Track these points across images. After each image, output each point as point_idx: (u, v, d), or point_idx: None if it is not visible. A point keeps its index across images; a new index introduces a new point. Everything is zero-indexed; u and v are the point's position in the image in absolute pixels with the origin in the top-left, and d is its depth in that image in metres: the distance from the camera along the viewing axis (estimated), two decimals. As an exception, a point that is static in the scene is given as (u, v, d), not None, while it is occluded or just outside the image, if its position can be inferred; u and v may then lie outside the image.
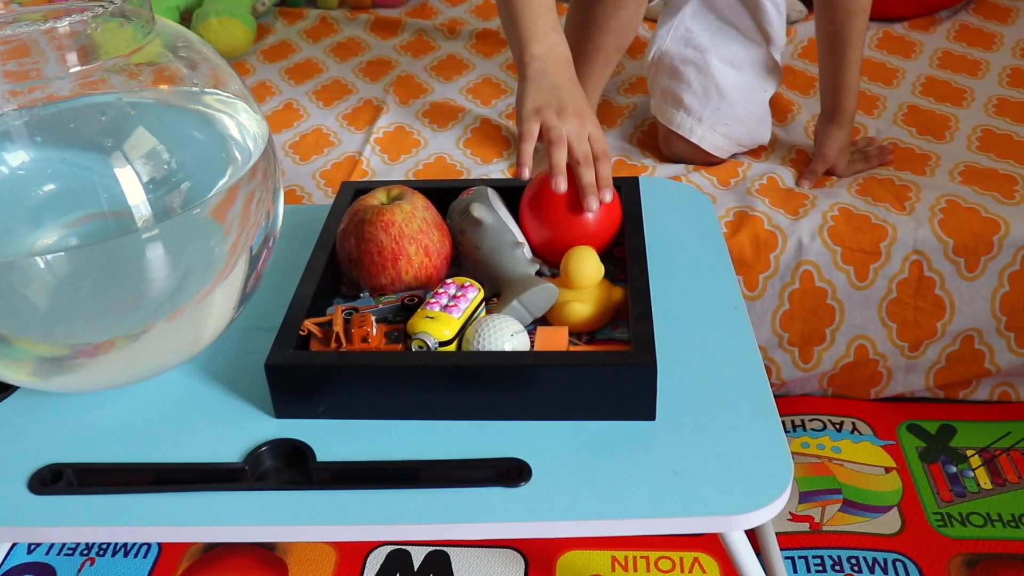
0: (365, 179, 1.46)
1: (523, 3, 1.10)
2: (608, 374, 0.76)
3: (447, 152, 1.54)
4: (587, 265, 0.85)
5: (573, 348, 0.83)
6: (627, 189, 0.99)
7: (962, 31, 1.88)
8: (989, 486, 1.25)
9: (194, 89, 0.79)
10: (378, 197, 0.91)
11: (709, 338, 0.86)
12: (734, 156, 1.50)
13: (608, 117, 1.65)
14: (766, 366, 1.35)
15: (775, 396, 1.39)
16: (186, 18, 2.09)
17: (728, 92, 1.43)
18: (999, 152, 1.46)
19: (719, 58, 1.43)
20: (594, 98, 1.54)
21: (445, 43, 1.96)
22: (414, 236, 0.88)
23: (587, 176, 0.94)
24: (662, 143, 1.51)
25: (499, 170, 1.50)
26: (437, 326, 0.79)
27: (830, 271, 1.29)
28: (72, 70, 0.70)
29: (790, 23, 1.97)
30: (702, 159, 1.48)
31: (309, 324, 0.81)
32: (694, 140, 1.45)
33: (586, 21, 1.43)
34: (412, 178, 1.47)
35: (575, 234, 0.92)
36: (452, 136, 1.59)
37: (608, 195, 0.94)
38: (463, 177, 1.48)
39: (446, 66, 1.86)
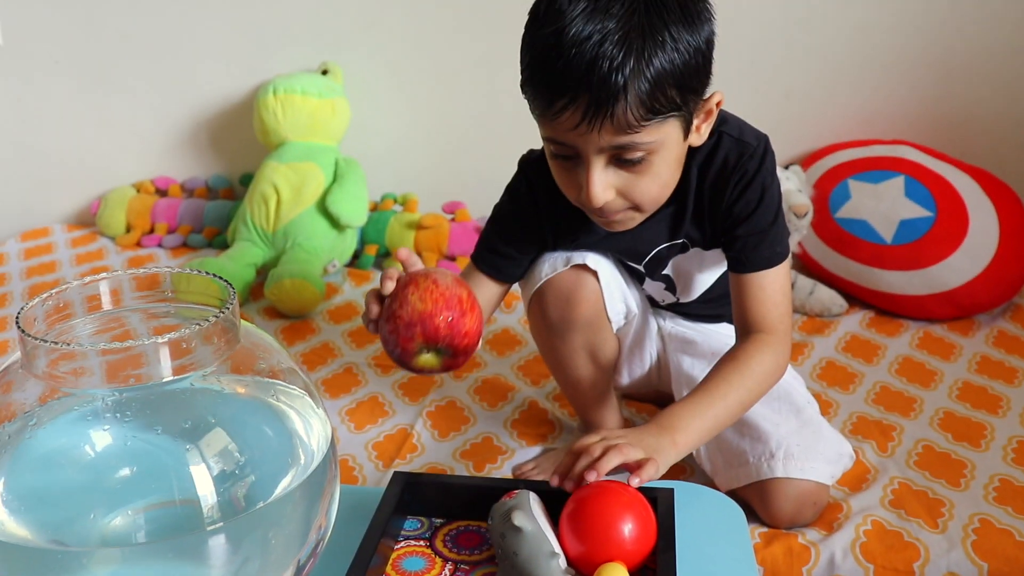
0: (414, 455, 1.52)
1: None
2: None
3: (494, 432, 1.60)
4: (619, 585, 0.88)
5: (602, 668, 0.85)
6: (663, 501, 1.03)
7: (1000, 337, 1.93)
8: None
9: (267, 383, 0.86)
10: None
11: (736, 663, 0.88)
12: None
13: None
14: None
15: None
16: (261, 272, 2.23)
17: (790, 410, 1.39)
18: (1034, 467, 1.49)
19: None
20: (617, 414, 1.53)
21: (500, 316, 2.04)
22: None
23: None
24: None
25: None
26: (472, 638, 0.82)
27: (863, 588, 1.30)
28: (164, 379, 0.78)
29: (831, 316, 2.04)
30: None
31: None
32: (801, 476, 1.33)
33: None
34: (459, 457, 1.53)
35: (611, 549, 0.96)
36: (500, 417, 1.66)
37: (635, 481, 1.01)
38: (507, 457, 1.53)
39: (500, 340, 1.93)
